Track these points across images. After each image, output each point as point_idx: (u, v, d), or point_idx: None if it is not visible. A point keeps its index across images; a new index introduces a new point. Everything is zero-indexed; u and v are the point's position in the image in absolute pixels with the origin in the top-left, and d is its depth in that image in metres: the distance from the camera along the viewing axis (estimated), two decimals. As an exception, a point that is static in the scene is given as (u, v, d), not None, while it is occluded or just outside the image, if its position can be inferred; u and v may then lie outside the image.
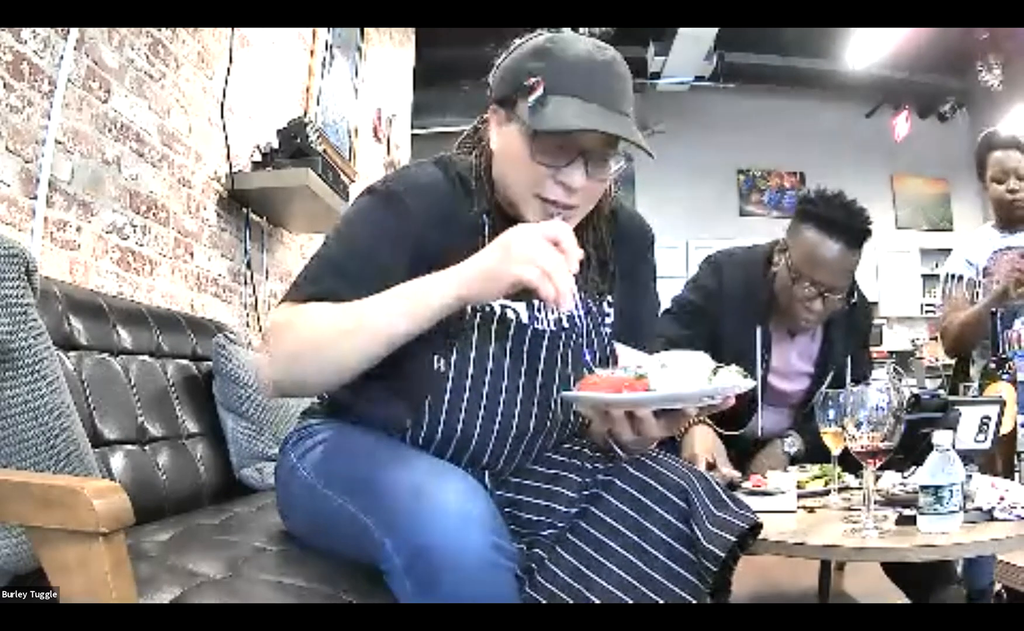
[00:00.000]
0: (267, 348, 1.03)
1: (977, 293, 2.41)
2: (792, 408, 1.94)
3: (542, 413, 1.15)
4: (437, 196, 1.11)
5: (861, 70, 6.71)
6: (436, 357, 1.08)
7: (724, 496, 1.04)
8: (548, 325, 1.15)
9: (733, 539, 0.99)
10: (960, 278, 2.48)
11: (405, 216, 1.07)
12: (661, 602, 0.99)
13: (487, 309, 1.11)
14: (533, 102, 1.02)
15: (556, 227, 0.96)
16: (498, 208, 1.14)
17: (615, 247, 1.22)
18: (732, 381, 1.00)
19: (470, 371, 1.10)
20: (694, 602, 1.00)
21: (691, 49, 6.56)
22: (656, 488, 1.04)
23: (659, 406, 1.01)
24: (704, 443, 1.67)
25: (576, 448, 1.18)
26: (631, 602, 0.99)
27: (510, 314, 1.12)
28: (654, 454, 1.10)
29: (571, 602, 1.00)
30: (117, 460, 1.47)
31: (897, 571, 1.81)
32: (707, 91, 7.34)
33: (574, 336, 1.18)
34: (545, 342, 1.14)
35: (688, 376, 1.00)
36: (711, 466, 1.61)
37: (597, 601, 0.99)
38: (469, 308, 1.08)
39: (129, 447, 1.52)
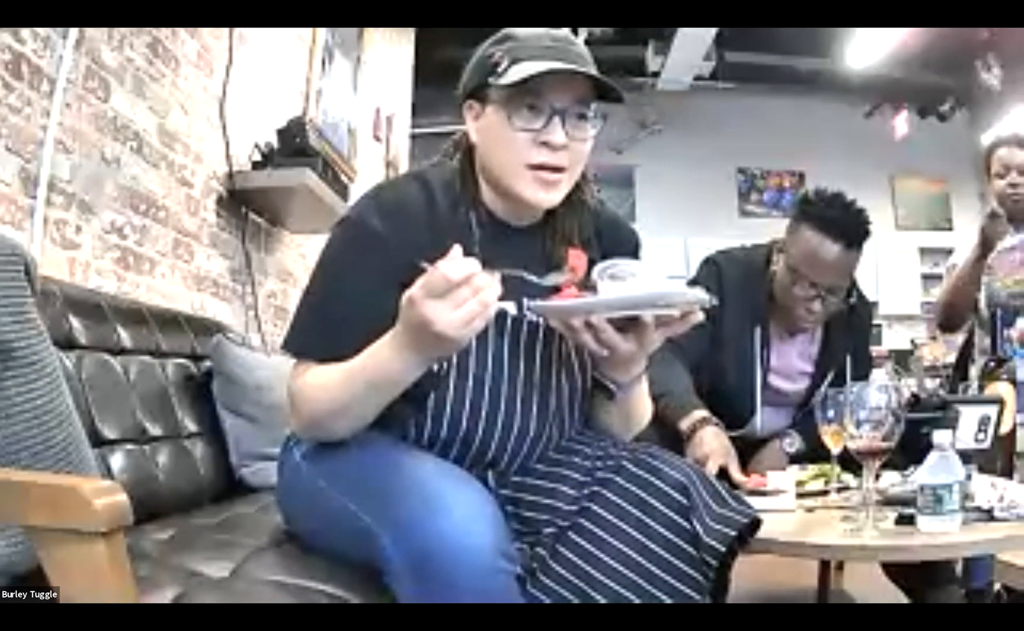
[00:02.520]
0: (290, 411, 1.12)
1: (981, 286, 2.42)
2: (792, 408, 1.94)
3: (542, 408, 1.16)
4: (415, 212, 1.12)
5: (861, 70, 6.71)
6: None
7: (724, 494, 1.05)
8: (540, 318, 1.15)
9: (733, 534, 1.00)
10: None
11: (381, 245, 1.08)
12: (664, 598, 0.99)
13: None
14: (501, 70, 1.07)
15: (443, 270, 0.90)
16: (482, 206, 1.16)
17: (599, 246, 1.22)
18: (682, 288, 1.02)
19: (471, 369, 1.11)
20: (697, 598, 1.00)
21: (691, 49, 6.55)
22: (657, 485, 1.05)
23: (609, 311, 1.03)
24: (713, 446, 1.63)
25: (576, 446, 1.18)
26: (634, 598, 0.99)
27: (500, 310, 1.12)
28: (653, 451, 1.11)
29: (574, 600, 1.00)
30: (117, 460, 1.47)
31: (896, 571, 1.81)
32: (707, 91, 7.33)
33: None
34: (541, 336, 1.15)
35: (637, 283, 1.04)
36: (723, 471, 1.57)
37: (600, 598, 1.00)
38: None
39: (129, 447, 1.52)
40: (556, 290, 1.12)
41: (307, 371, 1.08)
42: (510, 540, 0.98)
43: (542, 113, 1.07)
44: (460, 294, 0.90)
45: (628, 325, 1.04)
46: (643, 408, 1.25)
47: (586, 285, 1.10)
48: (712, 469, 1.54)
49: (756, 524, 1.04)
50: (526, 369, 1.14)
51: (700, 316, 1.04)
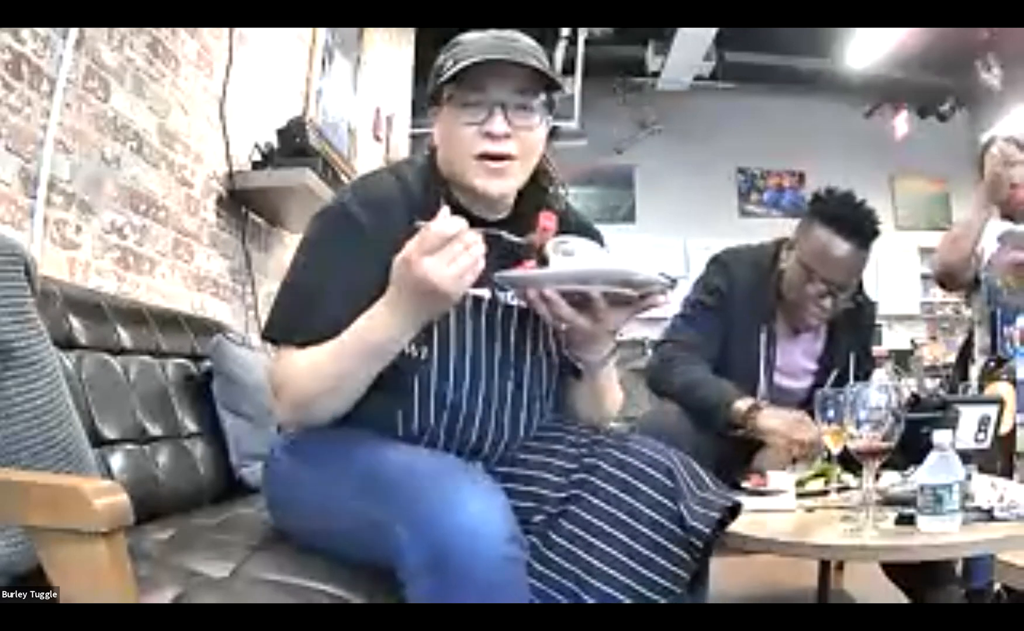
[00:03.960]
0: (275, 399, 1.14)
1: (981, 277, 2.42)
2: (796, 407, 1.95)
3: (517, 388, 1.19)
4: (393, 203, 1.15)
5: (861, 70, 6.71)
6: (415, 345, 1.11)
7: (705, 478, 1.11)
8: (516, 301, 1.18)
9: (717, 516, 1.06)
10: None
11: (361, 232, 1.12)
12: (658, 579, 1.04)
13: None
14: (445, 71, 1.12)
15: (437, 227, 0.97)
16: (452, 200, 1.17)
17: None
18: (629, 267, 1.05)
19: (452, 355, 1.14)
20: (685, 576, 1.06)
21: (691, 49, 6.54)
22: (643, 469, 1.09)
23: (557, 284, 1.07)
24: (783, 417, 1.72)
25: (559, 433, 1.21)
26: (625, 581, 1.04)
27: (476, 294, 1.15)
28: (637, 438, 1.16)
29: (567, 584, 1.05)
30: (117, 460, 1.47)
31: (896, 571, 1.81)
32: (707, 91, 7.32)
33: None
34: (515, 318, 1.19)
35: (584, 259, 1.10)
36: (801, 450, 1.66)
37: (594, 582, 1.04)
38: None
39: (129, 447, 1.52)
40: (526, 255, 1.15)
41: (290, 356, 1.11)
42: (519, 526, 0.99)
43: (484, 106, 1.12)
44: (453, 249, 0.96)
45: (583, 302, 1.08)
46: (613, 395, 1.29)
47: (545, 261, 1.13)
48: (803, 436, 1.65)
49: (736, 508, 1.10)
50: (502, 351, 1.18)
51: (662, 300, 1.08)
